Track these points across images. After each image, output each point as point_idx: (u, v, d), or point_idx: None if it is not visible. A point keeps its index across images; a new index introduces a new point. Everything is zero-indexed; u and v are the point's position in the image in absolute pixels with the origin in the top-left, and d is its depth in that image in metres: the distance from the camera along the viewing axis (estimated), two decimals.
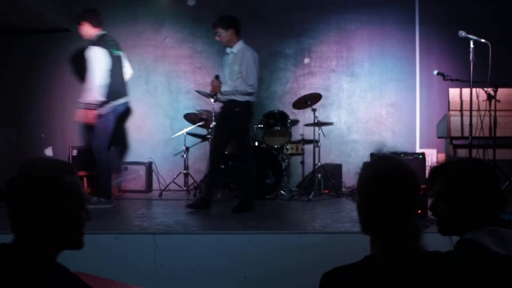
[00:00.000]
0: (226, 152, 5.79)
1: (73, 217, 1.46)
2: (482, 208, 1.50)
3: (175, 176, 6.35)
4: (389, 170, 1.43)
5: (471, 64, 4.57)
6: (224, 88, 4.75)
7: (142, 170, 6.26)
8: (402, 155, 5.86)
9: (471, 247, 1.44)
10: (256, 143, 5.77)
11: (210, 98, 5.23)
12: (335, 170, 6.20)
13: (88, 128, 4.84)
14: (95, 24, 4.75)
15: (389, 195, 1.39)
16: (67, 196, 1.41)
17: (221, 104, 4.99)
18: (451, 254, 1.45)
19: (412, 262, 1.30)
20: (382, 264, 1.31)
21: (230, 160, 5.72)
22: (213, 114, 5.60)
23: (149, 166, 6.36)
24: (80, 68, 6.64)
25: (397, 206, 1.39)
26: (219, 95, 4.94)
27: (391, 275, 1.29)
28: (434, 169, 1.62)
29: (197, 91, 6.07)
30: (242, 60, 4.71)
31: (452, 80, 4.93)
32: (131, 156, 6.50)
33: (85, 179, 6.10)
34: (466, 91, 5.47)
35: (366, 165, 1.49)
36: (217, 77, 4.79)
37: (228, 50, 4.85)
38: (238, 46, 4.79)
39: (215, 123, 5.16)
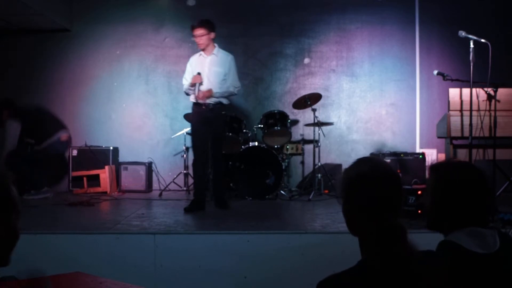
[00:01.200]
0: (223, 152, 5.79)
1: (11, 230, 1.29)
2: (465, 210, 1.53)
3: (175, 176, 6.36)
4: (372, 170, 1.44)
5: (471, 64, 4.57)
6: (215, 90, 4.75)
7: (142, 170, 6.26)
8: (402, 155, 5.86)
9: (449, 249, 1.47)
10: (256, 143, 5.77)
11: (198, 101, 4.77)
12: (335, 170, 6.20)
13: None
14: (10, 108, 5.79)
15: (373, 195, 1.40)
16: (10, 206, 1.28)
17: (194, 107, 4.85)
18: (433, 255, 1.47)
19: (405, 263, 1.30)
20: (375, 268, 1.31)
21: (230, 160, 5.73)
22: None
23: (149, 166, 6.36)
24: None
25: (381, 206, 1.40)
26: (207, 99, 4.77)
27: (385, 279, 1.28)
28: (431, 166, 1.67)
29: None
30: (226, 63, 4.83)
31: (452, 80, 4.92)
32: (131, 156, 6.52)
33: (85, 179, 6.11)
34: (466, 91, 5.46)
35: (348, 168, 1.50)
36: (199, 74, 4.72)
37: (201, 52, 4.83)
38: (217, 49, 4.86)
39: (194, 127, 4.90)
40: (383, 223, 1.35)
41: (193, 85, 4.70)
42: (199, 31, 4.72)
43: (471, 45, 4.55)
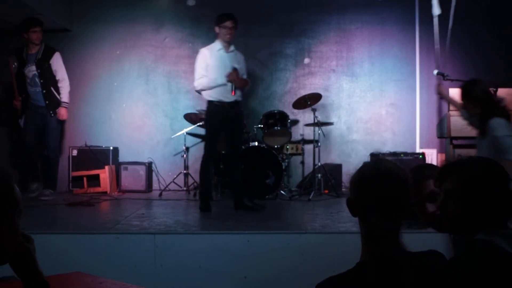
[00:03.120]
0: (223, 152, 5.79)
1: (13, 229, 1.32)
2: (492, 209, 1.45)
3: (175, 176, 6.35)
4: (375, 171, 1.45)
5: (434, 19, 4.44)
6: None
7: (142, 170, 6.26)
8: (402, 155, 5.86)
9: (485, 249, 1.40)
10: (256, 143, 5.77)
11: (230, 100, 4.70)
12: (335, 170, 6.20)
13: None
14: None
15: (376, 194, 1.40)
16: (14, 206, 1.31)
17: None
18: (463, 256, 1.42)
19: (401, 264, 1.30)
20: (373, 270, 1.31)
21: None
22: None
23: (149, 166, 6.36)
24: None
25: (382, 205, 1.40)
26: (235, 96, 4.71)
27: (382, 281, 1.28)
28: (444, 167, 1.58)
29: (197, 91, 6.07)
30: (241, 61, 4.80)
31: (452, 80, 4.92)
32: (131, 156, 6.52)
33: (85, 179, 6.11)
34: None
35: (361, 166, 1.52)
36: (235, 70, 4.63)
37: (221, 46, 4.71)
38: (233, 47, 4.82)
39: (213, 127, 4.73)
40: (376, 224, 1.35)
41: (229, 80, 4.59)
42: (234, 24, 4.64)
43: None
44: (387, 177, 1.43)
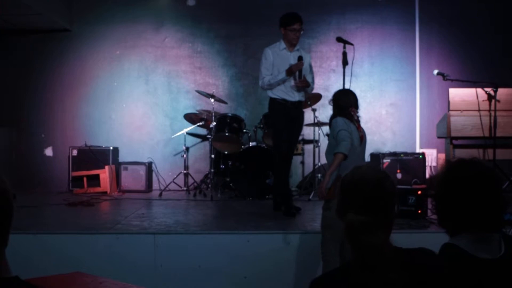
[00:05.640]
0: (226, 152, 5.80)
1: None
2: (470, 211, 1.45)
3: (175, 176, 6.35)
4: (367, 173, 1.48)
5: (343, 68, 4.37)
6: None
7: (142, 170, 6.26)
8: (402, 155, 5.86)
9: (451, 253, 1.43)
10: (256, 143, 5.77)
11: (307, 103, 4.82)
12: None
13: None
14: None
15: (362, 194, 1.43)
16: (11, 213, 1.30)
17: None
18: (435, 258, 1.45)
19: (392, 262, 1.30)
20: (363, 267, 1.31)
21: (230, 160, 5.73)
22: (213, 114, 5.65)
23: (149, 166, 6.36)
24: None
25: (366, 202, 1.41)
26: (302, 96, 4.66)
27: (374, 276, 1.29)
28: (440, 167, 1.62)
29: (197, 91, 6.08)
30: (306, 59, 4.66)
31: (452, 80, 4.93)
32: (131, 156, 6.53)
33: (85, 179, 6.11)
34: (466, 91, 5.48)
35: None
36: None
37: (284, 46, 4.62)
38: (298, 46, 4.71)
39: (280, 126, 4.60)
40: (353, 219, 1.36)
41: (289, 74, 4.45)
42: (300, 26, 4.54)
43: (344, 49, 4.45)
44: (360, 180, 1.46)
